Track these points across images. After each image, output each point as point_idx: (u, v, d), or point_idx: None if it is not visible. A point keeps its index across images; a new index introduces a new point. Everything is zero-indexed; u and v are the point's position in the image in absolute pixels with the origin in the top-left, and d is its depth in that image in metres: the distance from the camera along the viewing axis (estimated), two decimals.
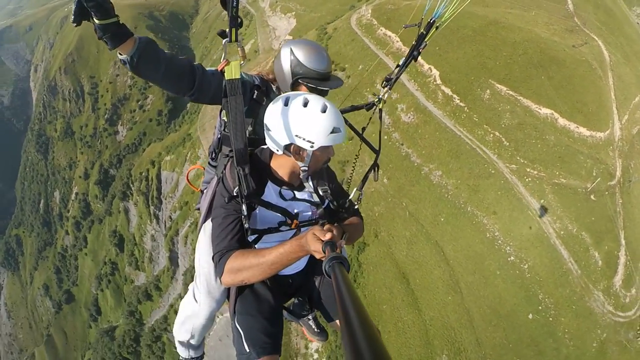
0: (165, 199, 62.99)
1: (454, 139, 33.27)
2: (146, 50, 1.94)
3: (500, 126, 31.91)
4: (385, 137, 37.36)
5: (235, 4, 1.82)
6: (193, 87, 2.17)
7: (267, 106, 2.33)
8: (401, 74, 3.06)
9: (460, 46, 37.15)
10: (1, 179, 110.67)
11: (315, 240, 1.67)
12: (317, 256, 1.65)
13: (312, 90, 2.48)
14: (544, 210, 27.57)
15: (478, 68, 35.15)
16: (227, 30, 1.93)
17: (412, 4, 45.07)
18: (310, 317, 3.03)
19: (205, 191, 2.76)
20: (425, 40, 2.84)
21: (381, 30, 44.32)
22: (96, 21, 1.74)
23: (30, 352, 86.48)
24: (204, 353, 2.93)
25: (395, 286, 32.86)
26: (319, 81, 2.49)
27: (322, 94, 2.55)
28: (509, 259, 27.43)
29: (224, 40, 1.94)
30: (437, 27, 2.83)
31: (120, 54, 1.91)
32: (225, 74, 2.02)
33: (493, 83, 33.82)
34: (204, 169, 2.85)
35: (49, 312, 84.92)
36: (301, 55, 2.46)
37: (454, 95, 35.22)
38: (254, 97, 2.46)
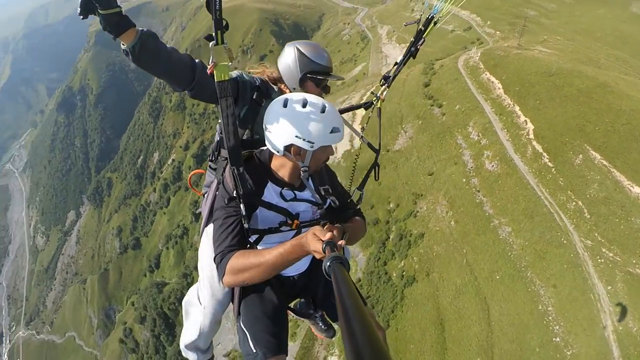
0: None
1: (532, 198, 31.27)
2: (147, 42, 2.03)
3: (585, 196, 29.28)
4: (464, 180, 36.51)
5: (218, 6, 1.87)
6: (192, 82, 2.25)
7: (266, 107, 2.42)
8: (399, 71, 3.08)
9: (562, 104, 34.98)
10: (112, 128, 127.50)
11: (315, 240, 1.69)
12: (318, 256, 1.66)
13: (319, 82, 2.66)
14: (608, 298, 24.67)
15: (575, 130, 32.75)
16: (213, 33, 1.99)
17: (522, 53, 43.52)
18: (317, 315, 3.01)
19: (206, 195, 2.80)
20: (424, 36, 2.86)
21: (485, 74, 43.33)
22: (100, 11, 1.84)
23: (84, 277, 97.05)
24: (213, 355, 2.94)
25: (429, 330, 31.61)
26: (325, 74, 2.65)
27: (326, 90, 2.73)
28: (554, 339, 24.93)
29: (210, 44, 1.98)
30: (435, 23, 2.86)
31: (123, 44, 2.00)
32: (215, 76, 2.05)
33: (588, 148, 31.24)
34: (206, 172, 2.90)
35: (114, 251, 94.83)
36: (307, 52, 2.60)
37: (544, 154, 33.16)
38: (254, 97, 2.53)
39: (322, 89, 2.73)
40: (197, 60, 2.28)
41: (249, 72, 2.68)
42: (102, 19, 1.87)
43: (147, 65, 2.12)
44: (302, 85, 2.64)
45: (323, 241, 1.64)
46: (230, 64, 2.13)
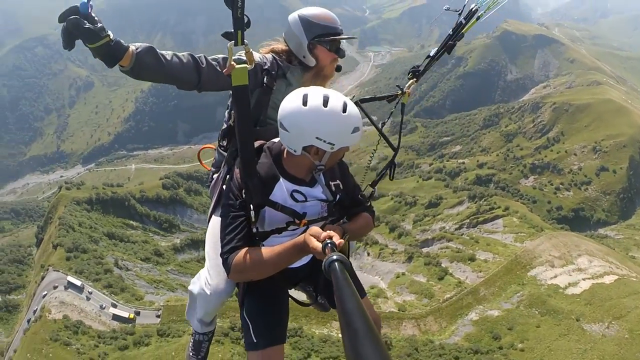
0: None
1: None
2: (145, 61, 1.96)
3: None
4: None
5: (241, 2, 1.75)
6: (198, 82, 2.19)
7: (279, 89, 2.43)
8: (431, 65, 2.88)
9: None
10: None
11: (314, 242, 1.68)
12: (318, 256, 1.65)
13: (331, 46, 2.50)
14: None
15: None
16: (233, 31, 1.86)
17: None
18: (320, 301, 3.00)
19: (215, 177, 2.74)
20: (463, 30, 2.65)
21: None
22: (87, 45, 1.74)
23: None
24: (215, 327, 3.05)
25: None
26: (334, 35, 2.47)
27: (340, 53, 2.56)
28: None
29: (228, 43, 1.87)
30: (478, 18, 2.65)
31: (121, 66, 1.92)
32: (232, 80, 1.95)
33: None
34: (215, 149, 2.82)
35: None
36: (310, 15, 2.45)
37: None
38: (265, 81, 2.42)
39: (336, 53, 2.55)
40: (200, 59, 2.19)
41: (258, 52, 2.52)
42: (93, 53, 1.77)
43: (148, 79, 2.09)
44: (313, 53, 2.49)
45: (323, 241, 1.64)
46: (251, 66, 1.99)
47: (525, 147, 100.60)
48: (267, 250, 1.91)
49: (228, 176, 2.17)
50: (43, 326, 47.26)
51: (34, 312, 52.43)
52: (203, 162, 3.16)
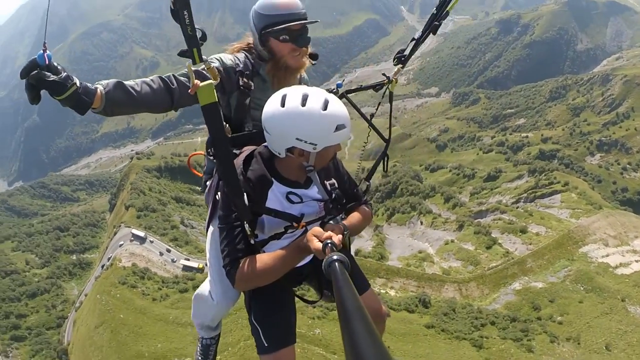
0: None
1: None
2: (116, 99, 1.86)
3: None
4: None
5: (189, 19, 1.62)
6: (172, 103, 2.11)
7: (257, 88, 2.39)
8: (416, 49, 2.80)
9: None
10: None
11: (315, 242, 1.69)
12: (319, 256, 1.62)
13: (280, 35, 2.31)
14: None
15: None
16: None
17: None
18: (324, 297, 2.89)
19: (208, 184, 2.63)
20: (448, 8, 2.64)
21: None
22: (55, 97, 1.63)
23: None
24: (220, 329, 3.11)
25: None
26: (286, 22, 2.27)
27: (300, 42, 2.36)
28: None
29: (187, 63, 1.78)
30: None
31: (93, 109, 1.80)
32: (199, 99, 1.80)
33: None
34: (205, 155, 2.67)
35: None
36: (259, 6, 2.31)
37: None
38: (241, 83, 2.34)
39: (294, 42, 2.34)
40: (170, 79, 2.09)
41: (231, 52, 2.49)
42: (62, 103, 1.68)
43: (122, 114, 2.01)
44: (266, 46, 2.36)
45: (322, 241, 1.66)
46: (215, 82, 1.88)
47: (592, 122, 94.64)
48: (270, 256, 1.91)
49: (221, 187, 2.07)
50: (113, 272, 54.28)
51: (108, 259, 60.32)
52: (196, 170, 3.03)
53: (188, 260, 60.05)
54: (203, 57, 1.79)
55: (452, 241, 62.64)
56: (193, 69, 1.80)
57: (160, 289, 52.21)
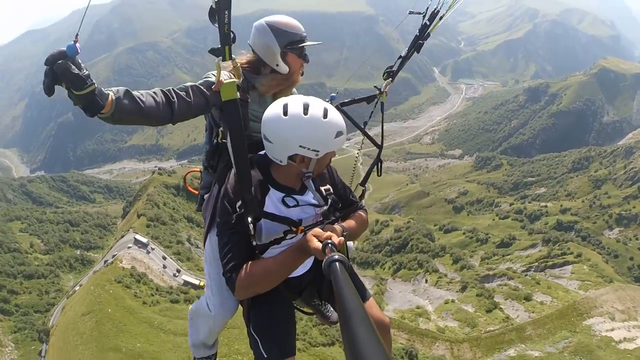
0: None
1: None
2: (125, 106, 1.90)
3: None
4: None
5: (227, 19, 1.78)
6: (172, 116, 2.15)
7: (253, 100, 2.51)
8: (403, 65, 3.04)
9: None
10: None
11: (315, 242, 1.70)
12: (319, 257, 1.64)
13: (300, 53, 2.54)
14: None
15: None
16: (220, 46, 1.87)
17: None
18: (324, 307, 2.89)
19: (206, 197, 2.73)
20: (429, 31, 2.79)
21: None
22: (74, 92, 1.65)
23: None
24: (217, 349, 3.06)
25: None
26: (302, 42, 2.54)
27: (306, 59, 2.60)
28: None
29: (216, 59, 1.90)
30: (441, 18, 2.84)
31: (101, 114, 1.83)
32: (222, 95, 1.99)
33: None
34: (200, 172, 2.81)
35: None
36: (280, 24, 2.47)
37: None
38: (239, 97, 2.37)
39: (303, 58, 2.61)
40: (170, 93, 2.16)
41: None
42: (76, 100, 1.69)
43: (126, 123, 2.03)
44: (285, 60, 2.52)
45: (322, 242, 1.67)
46: (239, 81, 2.06)
47: (613, 195, 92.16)
48: (269, 260, 1.93)
49: (221, 193, 2.13)
50: (112, 270, 55.57)
51: (112, 256, 61.98)
52: (191, 188, 3.08)
53: (189, 276, 60.90)
54: (233, 56, 1.96)
55: (453, 301, 60.94)
56: (222, 64, 2.02)
57: (152, 295, 52.90)
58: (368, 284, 67.23)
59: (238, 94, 2.15)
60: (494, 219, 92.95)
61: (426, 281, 69.38)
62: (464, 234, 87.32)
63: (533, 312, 54.80)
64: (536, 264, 70.97)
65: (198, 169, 2.93)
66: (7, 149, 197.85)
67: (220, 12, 1.73)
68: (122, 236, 69.13)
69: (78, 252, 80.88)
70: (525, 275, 67.17)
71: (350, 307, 0.92)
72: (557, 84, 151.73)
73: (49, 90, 1.65)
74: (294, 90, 2.85)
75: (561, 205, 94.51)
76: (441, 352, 48.53)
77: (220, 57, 1.92)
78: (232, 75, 2.34)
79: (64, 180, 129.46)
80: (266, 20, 2.50)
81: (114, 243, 69.58)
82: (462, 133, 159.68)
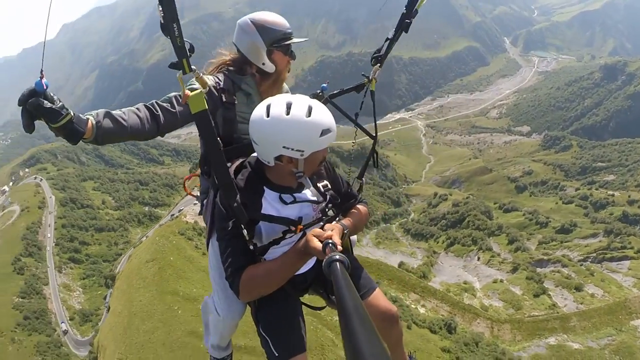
0: None
1: None
2: (107, 128, 1.89)
3: None
4: None
5: (178, 31, 1.72)
6: (157, 130, 2.15)
7: (240, 102, 2.50)
8: (391, 48, 2.86)
9: None
10: None
11: (315, 242, 1.71)
12: (319, 257, 1.65)
13: (286, 50, 2.53)
14: None
15: None
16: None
17: None
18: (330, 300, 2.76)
19: (205, 202, 2.71)
20: (416, 7, 2.70)
21: None
22: (50, 125, 1.65)
23: None
24: (231, 350, 3.11)
25: None
26: (289, 39, 2.51)
27: (292, 55, 2.58)
28: None
29: (177, 74, 1.84)
30: None
31: (84, 139, 1.81)
32: (190, 107, 1.91)
33: None
34: (199, 176, 2.79)
35: None
36: (265, 22, 2.44)
37: None
38: (224, 99, 2.43)
39: (290, 56, 2.58)
40: (154, 106, 2.16)
41: (209, 72, 2.58)
42: (55, 131, 1.69)
43: (111, 143, 2.01)
44: (271, 58, 2.51)
45: (322, 242, 1.68)
46: (205, 90, 2.04)
47: None
48: (271, 263, 1.94)
49: (217, 198, 2.11)
50: (176, 223, 60.22)
51: (179, 211, 67.26)
52: (191, 191, 3.09)
53: None
54: (192, 67, 1.89)
55: (501, 281, 61.68)
56: (186, 79, 1.95)
57: None
58: (419, 255, 69.33)
59: (207, 103, 1.99)
60: (557, 203, 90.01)
61: (478, 259, 70.11)
62: (523, 215, 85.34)
63: (582, 304, 54.54)
64: (594, 254, 69.26)
65: (197, 174, 2.94)
66: None
67: (168, 26, 1.69)
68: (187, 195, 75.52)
69: (146, 208, 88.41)
70: (581, 265, 65.79)
71: (350, 308, 0.93)
72: (635, 63, 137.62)
73: (28, 128, 1.65)
74: (286, 87, 2.84)
75: (629, 196, 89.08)
76: (481, 330, 49.93)
77: (181, 71, 1.86)
78: (217, 79, 2.45)
79: (135, 144, 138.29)
80: (250, 17, 2.49)
81: (180, 200, 75.39)
82: (532, 109, 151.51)
